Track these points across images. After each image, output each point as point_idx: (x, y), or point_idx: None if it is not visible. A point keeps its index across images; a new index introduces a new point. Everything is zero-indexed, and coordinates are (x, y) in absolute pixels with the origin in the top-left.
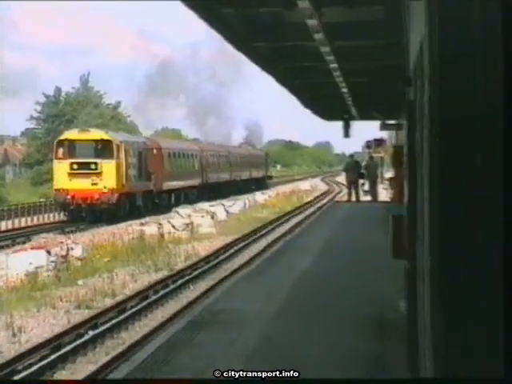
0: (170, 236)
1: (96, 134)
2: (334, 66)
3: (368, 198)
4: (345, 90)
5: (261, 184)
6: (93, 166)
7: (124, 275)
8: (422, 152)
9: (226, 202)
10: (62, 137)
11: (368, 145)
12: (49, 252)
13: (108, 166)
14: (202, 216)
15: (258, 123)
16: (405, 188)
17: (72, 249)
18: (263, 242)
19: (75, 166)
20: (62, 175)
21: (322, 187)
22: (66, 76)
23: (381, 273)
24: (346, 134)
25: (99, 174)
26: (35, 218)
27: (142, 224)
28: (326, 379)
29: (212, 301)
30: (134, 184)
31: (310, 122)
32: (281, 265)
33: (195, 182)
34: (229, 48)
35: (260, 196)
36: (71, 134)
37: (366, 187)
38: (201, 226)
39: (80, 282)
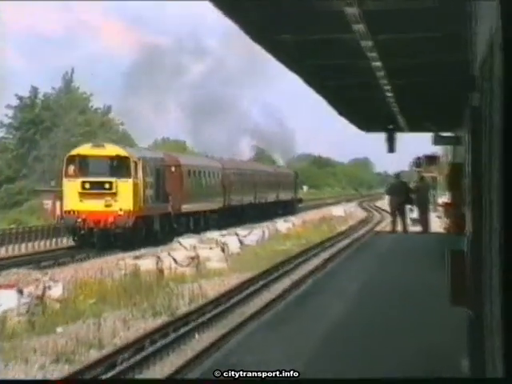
0: (170, 272)
1: (111, 149)
2: (377, 64)
3: (417, 228)
4: (390, 94)
5: (289, 208)
6: (107, 186)
7: (114, 321)
8: (489, 172)
9: (241, 231)
10: (74, 152)
11: (418, 162)
12: (21, 292)
13: (124, 186)
14: (211, 248)
15: (288, 135)
16: (466, 216)
17: (49, 288)
18: (286, 282)
19: (87, 186)
20: (72, 195)
21: (360, 214)
22: (43, 73)
23: (435, 324)
24: (391, 149)
25: (114, 195)
26: (3, 250)
27: (136, 257)
28: (326, 379)
29: (224, 354)
30: (151, 206)
31: (345, 133)
32: (308, 310)
33: (216, 204)
34: (242, 38)
35: (282, 224)
36: (84, 149)
37: (415, 215)
38: (209, 261)
39: (59, 330)
